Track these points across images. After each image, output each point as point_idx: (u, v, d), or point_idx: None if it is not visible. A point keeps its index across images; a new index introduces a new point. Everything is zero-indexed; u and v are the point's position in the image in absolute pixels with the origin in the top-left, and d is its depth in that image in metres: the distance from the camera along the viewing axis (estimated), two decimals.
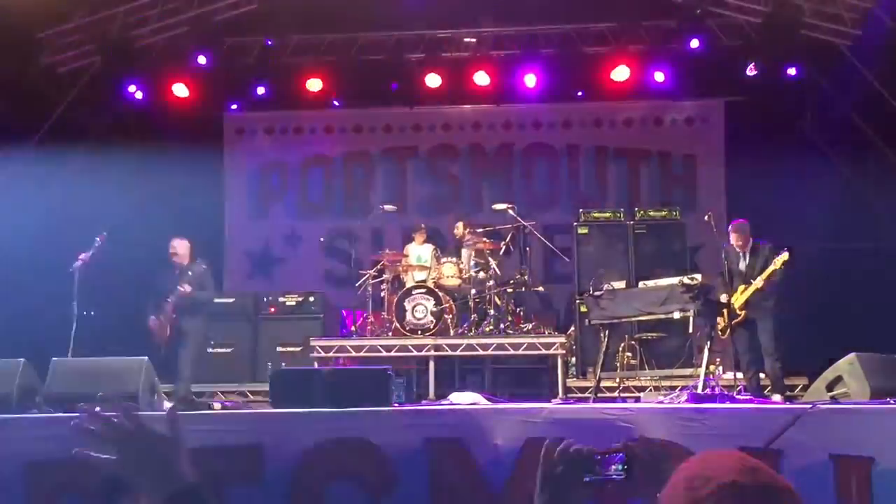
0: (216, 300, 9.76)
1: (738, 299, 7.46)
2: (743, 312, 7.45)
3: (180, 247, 8.18)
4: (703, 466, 1.45)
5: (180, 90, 11.67)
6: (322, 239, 11.00)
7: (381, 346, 8.52)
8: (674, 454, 4.05)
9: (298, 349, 9.08)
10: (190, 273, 7.94)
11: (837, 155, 11.59)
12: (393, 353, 8.43)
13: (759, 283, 7.43)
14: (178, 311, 7.86)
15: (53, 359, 5.93)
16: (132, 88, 11.38)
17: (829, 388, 5.88)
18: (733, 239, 7.89)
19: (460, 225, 9.94)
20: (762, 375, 7.65)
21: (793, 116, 11.74)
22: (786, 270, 7.48)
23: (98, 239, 7.81)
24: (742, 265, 7.76)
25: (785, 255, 7.39)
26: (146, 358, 5.88)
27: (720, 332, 7.30)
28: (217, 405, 5.44)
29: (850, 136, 11.21)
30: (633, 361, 8.12)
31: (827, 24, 10.40)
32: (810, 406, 4.46)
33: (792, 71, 10.90)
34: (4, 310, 10.41)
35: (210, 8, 10.89)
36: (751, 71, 10.90)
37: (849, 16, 10.22)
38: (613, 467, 1.79)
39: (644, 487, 1.78)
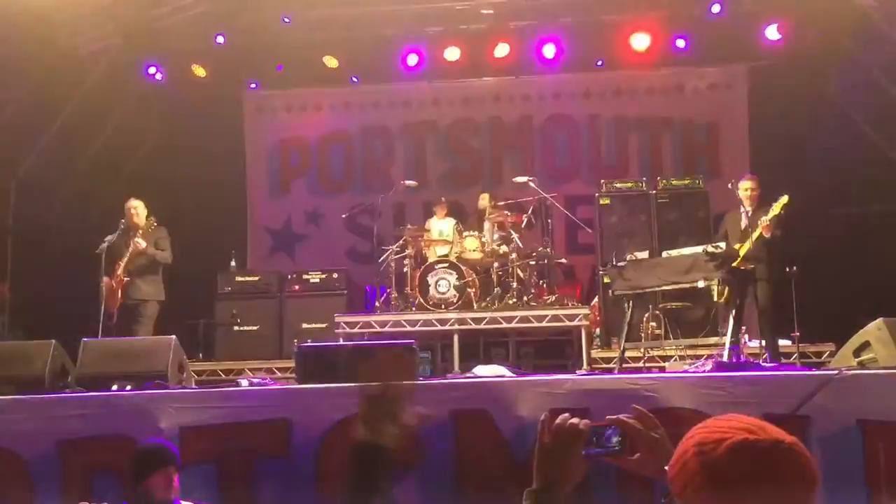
0: (240, 279, 9.89)
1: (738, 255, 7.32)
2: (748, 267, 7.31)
3: (140, 207, 8.06)
4: (711, 430, 1.48)
5: (200, 70, 11.72)
6: (344, 215, 11.03)
7: (405, 321, 8.55)
8: (699, 422, 4.05)
9: (323, 326, 9.15)
10: (148, 235, 7.83)
11: (863, 118, 11.40)
12: (417, 328, 8.46)
13: (759, 231, 7.28)
14: (131, 275, 7.72)
15: (84, 339, 6.02)
16: (152, 69, 11.44)
17: (857, 353, 5.82)
18: (747, 186, 7.79)
19: (486, 196, 9.91)
20: (782, 342, 7.59)
21: (817, 80, 11.55)
22: (784, 222, 7.32)
23: (123, 221, 7.87)
24: (743, 224, 7.70)
25: (785, 198, 7.24)
26: (174, 336, 5.95)
27: (724, 300, 7.22)
28: (244, 382, 5.50)
29: (876, 100, 11.02)
30: (657, 331, 8.07)
31: None
32: (837, 372, 4.42)
33: (816, 34, 10.71)
34: (36, 292, 10.59)
35: None
36: (774, 34, 10.72)
37: None
38: (615, 440, 1.79)
39: (642, 458, 1.79)
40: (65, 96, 11.07)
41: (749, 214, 7.69)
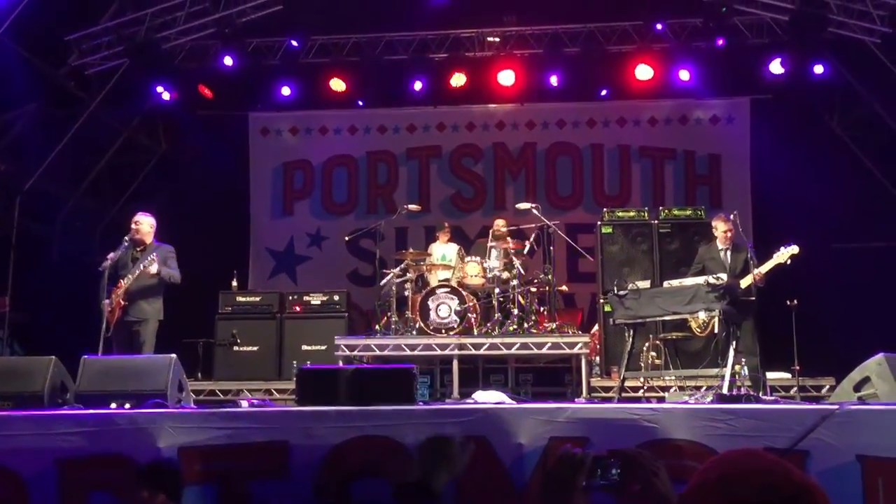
0: (241, 299, 9.89)
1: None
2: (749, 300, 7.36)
3: (144, 223, 7.73)
4: (734, 468, 1.46)
5: (206, 90, 11.81)
6: (346, 238, 11.07)
7: (405, 345, 8.54)
8: (698, 455, 4.04)
9: (323, 348, 9.14)
10: (154, 253, 7.50)
11: (865, 153, 11.48)
12: (417, 352, 8.45)
13: (756, 275, 7.33)
14: (133, 293, 7.46)
15: (83, 356, 6.00)
16: (159, 89, 11.54)
17: (857, 388, 5.80)
18: (722, 228, 7.93)
19: (501, 222, 9.92)
20: (782, 375, 7.59)
21: (820, 114, 11.64)
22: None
23: (126, 238, 7.84)
24: (724, 259, 7.78)
25: (794, 249, 7.30)
26: (174, 355, 5.94)
27: (698, 331, 7.25)
28: (244, 403, 5.48)
29: (877, 135, 11.10)
30: (657, 361, 8.07)
31: (855, 21, 10.30)
32: (837, 407, 4.41)
33: (819, 69, 10.82)
34: (36, 307, 10.59)
35: (235, 9, 11.00)
36: (777, 69, 10.81)
37: (877, 13, 10.11)
38: (614, 472, 1.82)
39: (639, 490, 1.81)
40: (72, 114, 11.16)
41: (727, 255, 7.81)
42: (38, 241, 11.43)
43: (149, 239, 7.79)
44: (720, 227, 8.00)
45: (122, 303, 7.49)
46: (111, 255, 7.72)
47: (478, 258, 9.31)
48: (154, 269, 7.45)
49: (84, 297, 8.37)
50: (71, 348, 6.49)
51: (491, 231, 9.84)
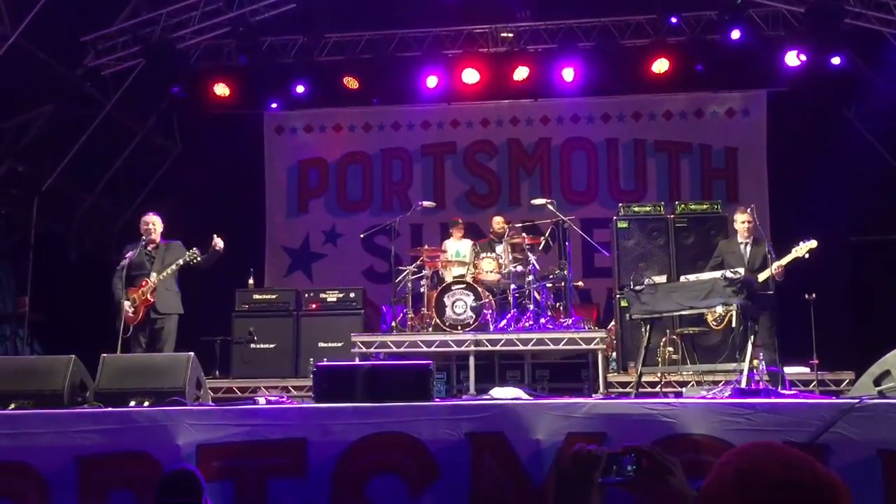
0: (257, 296, 9.93)
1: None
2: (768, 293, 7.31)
3: (158, 223, 7.90)
4: (752, 461, 1.43)
5: (221, 90, 11.86)
6: (361, 235, 11.08)
7: (421, 341, 8.54)
8: (716, 450, 4.02)
9: (339, 345, 9.15)
10: (167, 250, 7.69)
11: (883, 145, 11.37)
12: (433, 349, 8.45)
13: (774, 268, 7.30)
14: (158, 290, 7.59)
15: (103, 355, 6.05)
16: (175, 89, 11.59)
17: (877, 382, 5.76)
18: (742, 220, 7.88)
19: (499, 219, 9.96)
20: (801, 370, 7.52)
21: (837, 107, 11.53)
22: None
23: (143, 239, 7.90)
24: (745, 254, 7.73)
25: (812, 243, 7.25)
26: (192, 353, 5.97)
27: (715, 325, 7.20)
28: (262, 400, 5.50)
29: None
30: (674, 356, 8.01)
31: (872, 12, 10.20)
32: (857, 401, 4.38)
33: (836, 60, 10.72)
34: (55, 307, 10.67)
35: (249, 8, 11.04)
36: (794, 61, 10.73)
37: (894, 3, 10.00)
38: (630, 468, 1.81)
39: (654, 486, 1.80)
40: (88, 115, 11.24)
41: (749, 245, 7.76)
42: (56, 242, 11.52)
43: (159, 238, 7.91)
44: (739, 219, 7.94)
45: (151, 300, 7.58)
46: (129, 253, 7.78)
47: (493, 254, 9.31)
48: (220, 243, 7.58)
49: (102, 297, 8.42)
50: (89, 347, 6.54)
51: (490, 229, 9.87)
